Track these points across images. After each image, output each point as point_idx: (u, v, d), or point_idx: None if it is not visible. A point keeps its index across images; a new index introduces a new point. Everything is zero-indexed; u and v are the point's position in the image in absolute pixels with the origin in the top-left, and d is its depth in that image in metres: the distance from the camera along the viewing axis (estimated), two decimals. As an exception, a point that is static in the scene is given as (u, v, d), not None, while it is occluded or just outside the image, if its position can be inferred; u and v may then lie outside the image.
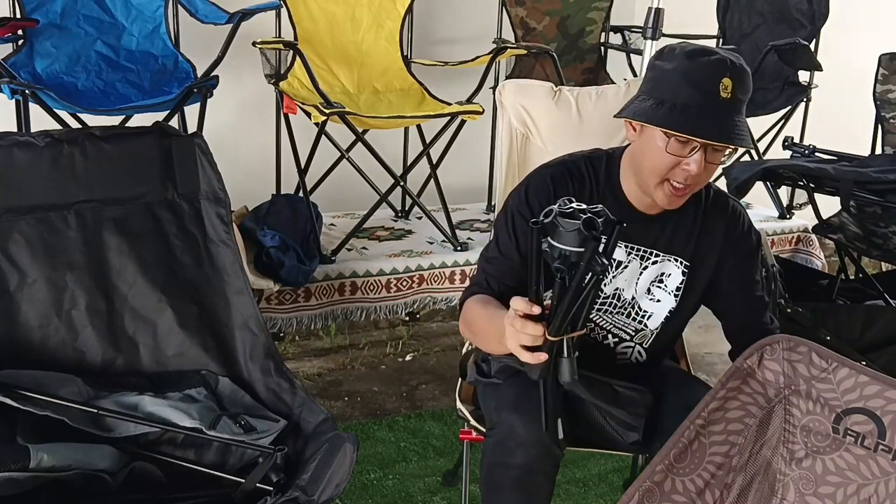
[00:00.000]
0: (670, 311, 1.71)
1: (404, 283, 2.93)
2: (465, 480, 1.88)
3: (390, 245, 3.08)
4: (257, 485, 1.53)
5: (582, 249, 1.22)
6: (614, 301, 1.70)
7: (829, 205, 2.57)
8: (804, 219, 3.57)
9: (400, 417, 2.67)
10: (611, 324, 1.72)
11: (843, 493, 1.30)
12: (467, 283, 2.94)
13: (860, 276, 2.83)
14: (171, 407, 1.69)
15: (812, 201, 2.64)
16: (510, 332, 1.33)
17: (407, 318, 3.17)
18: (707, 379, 2.84)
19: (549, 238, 1.26)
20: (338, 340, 3.15)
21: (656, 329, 1.72)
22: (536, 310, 1.30)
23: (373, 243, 3.09)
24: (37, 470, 1.42)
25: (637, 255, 1.68)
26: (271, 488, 1.51)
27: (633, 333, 1.72)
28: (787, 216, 3.68)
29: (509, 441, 1.52)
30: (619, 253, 1.68)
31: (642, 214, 1.67)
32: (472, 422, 1.77)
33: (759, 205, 3.70)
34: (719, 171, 2.95)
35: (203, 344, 1.81)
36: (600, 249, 1.25)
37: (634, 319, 1.71)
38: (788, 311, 2.21)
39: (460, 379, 1.91)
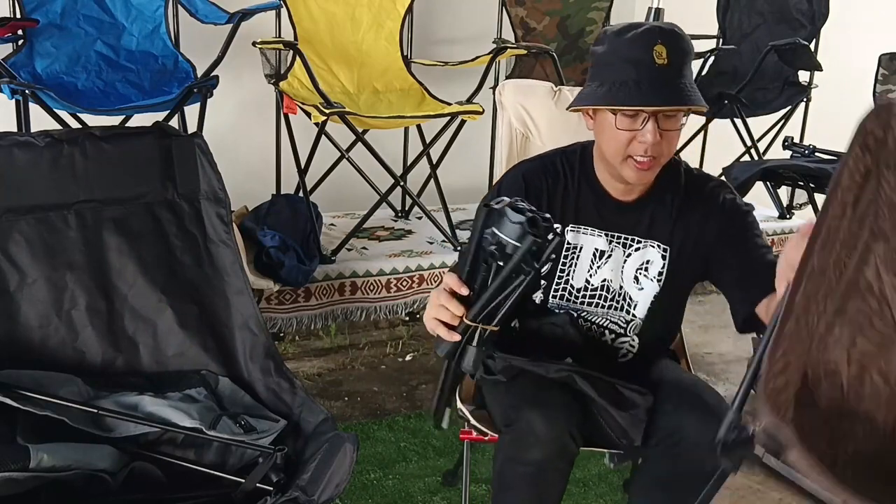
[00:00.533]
0: (655, 297, 1.70)
1: (404, 283, 2.93)
2: (466, 480, 1.88)
3: (390, 245, 3.08)
4: (257, 485, 1.53)
5: (519, 244, 1.27)
6: (603, 293, 1.71)
7: (829, 205, 2.57)
8: (804, 219, 3.56)
9: (400, 417, 2.67)
10: (606, 318, 1.72)
11: None
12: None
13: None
14: (171, 407, 1.68)
15: (812, 201, 2.65)
16: (434, 302, 1.36)
17: (407, 318, 3.17)
18: (707, 379, 2.84)
19: (492, 226, 1.30)
20: (338, 340, 3.14)
21: (644, 316, 1.71)
22: (465, 290, 1.34)
23: (373, 243, 3.09)
24: (37, 470, 1.42)
25: (619, 243, 1.70)
26: (271, 488, 1.51)
27: (625, 325, 1.73)
28: (787, 216, 3.68)
29: (528, 437, 1.52)
30: (600, 241, 1.69)
31: (619, 202, 1.69)
32: (473, 421, 1.76)
33: (759, 205, 3.68)
34: (719, 169, 2.96)
35: (203, 344, 1.81)
36: (536, 251, 1.28)
37: (624, 310, 1.72)
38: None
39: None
